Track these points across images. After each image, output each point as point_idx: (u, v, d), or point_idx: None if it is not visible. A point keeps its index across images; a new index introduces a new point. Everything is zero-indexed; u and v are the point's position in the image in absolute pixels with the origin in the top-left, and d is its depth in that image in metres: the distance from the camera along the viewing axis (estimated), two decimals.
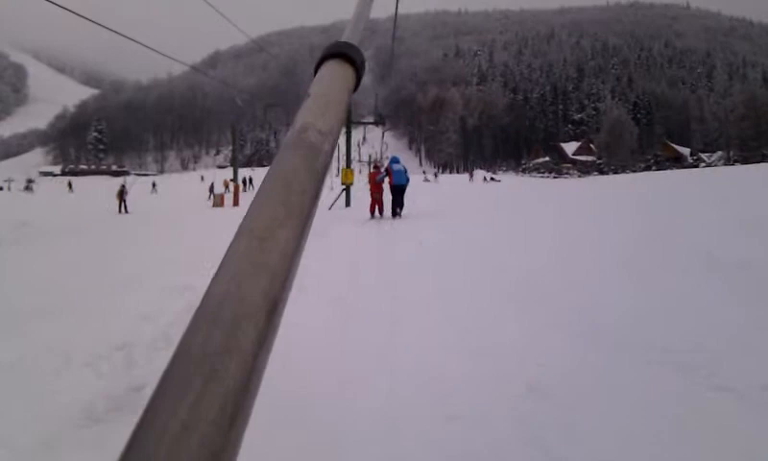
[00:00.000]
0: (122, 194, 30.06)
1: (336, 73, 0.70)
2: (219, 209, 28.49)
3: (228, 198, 33.12)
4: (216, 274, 0.43)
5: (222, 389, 0.34)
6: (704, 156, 77.20)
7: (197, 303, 0.39)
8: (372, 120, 21.62)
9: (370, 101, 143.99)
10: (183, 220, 19.97)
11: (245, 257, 0.43)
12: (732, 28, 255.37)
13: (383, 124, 21.20)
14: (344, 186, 20.98)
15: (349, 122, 21.27)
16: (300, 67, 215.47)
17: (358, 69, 0.73)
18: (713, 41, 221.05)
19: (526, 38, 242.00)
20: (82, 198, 47.89)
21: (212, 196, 36.24)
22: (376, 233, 11.65)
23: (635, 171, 71.30)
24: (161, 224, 18.66)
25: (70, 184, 73.73)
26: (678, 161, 76.66)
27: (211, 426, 0.33)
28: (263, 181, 0.53)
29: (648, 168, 70.67)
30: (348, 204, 20.51)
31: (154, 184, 61.42)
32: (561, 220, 11.81)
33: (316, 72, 0.71)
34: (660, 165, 71.09)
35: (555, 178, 76.11)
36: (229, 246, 0.45)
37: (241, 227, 0.47)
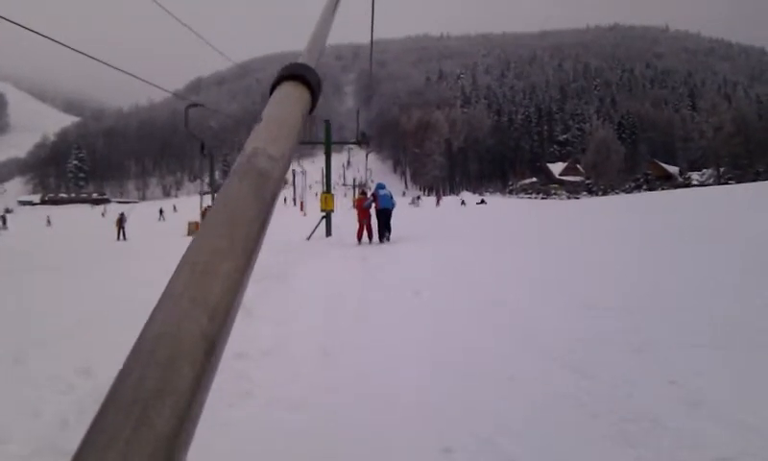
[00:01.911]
0: (121, 222, 31.74)
1: (291, 96, 0.68)
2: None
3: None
4: (153, 311, 0.41)
5: (153, 435, 0.33)
6: (695, 174, 76.15)
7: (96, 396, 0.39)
8: (362, 142, 19.44)
9: (353, 124, 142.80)
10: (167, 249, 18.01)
11: (184, 293, 0.41)
12: (712, 49, 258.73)
13: (366, 144, 19.30)
14: (323, 214, 18.82)
15: (328, 146, 19.19)
16: None
17: (314, 91, 0.71)
18: (694, 62, 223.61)
19: (508, 61, 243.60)
20: (60, 231, 45.11)
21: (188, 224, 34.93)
22: (359, 275, 9.26)
23: (625, 191, 70.04)
24: (145, 254, 16.79)
25: (48, 220, 69.48)
26: (668, 180, 75.61)
27: None
28: (209, 212, 0.51)
29: (638, 187, 69.53)
30: (328, 232, 18.44)
31: (161, 211, 60.42)
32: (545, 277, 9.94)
33: (271, 93, 0.70)
34: (651, 184, 69.93)
35: (543, 198, 74.73)
36: (169, 280, 0.43)
37: (182, 260, 0.45)
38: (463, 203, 62.05)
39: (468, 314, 5.87)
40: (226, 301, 0.42)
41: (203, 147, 32.57)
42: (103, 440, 0.32)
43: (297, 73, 0.70)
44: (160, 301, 0.42)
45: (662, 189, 64.25)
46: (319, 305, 6.53)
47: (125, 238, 30.54)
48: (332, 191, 19.01)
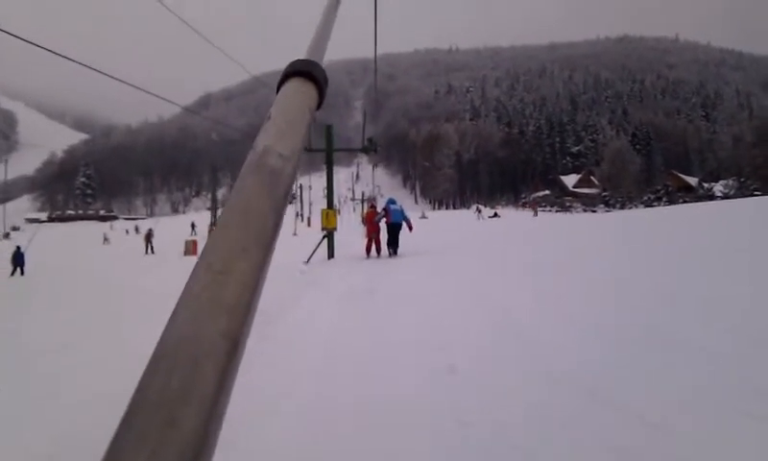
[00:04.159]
0: (149, 237, 34.61)
1: (298, 92, 0.68)
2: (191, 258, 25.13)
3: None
4: (173, 313, 0.41)
5: (181, 436, 0.33)
6: (717, 185, 73.20)
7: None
8: (369, 149, 16.98)
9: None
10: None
11: (202, 294, 0.42)
12: (723, 59, 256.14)
13: (374, 151, 16.96)
14: (325, 233, 16.24)
15: (330, 153, 16.71)
16: None
17: (321, 87, 0.70)
18: (705, 72, 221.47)
19: (518, 74, 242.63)
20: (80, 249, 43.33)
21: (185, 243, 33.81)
22: (364, 323, 6.51)
23: (644, 203, 67.27)
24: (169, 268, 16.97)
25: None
26: (689, 192, 72.80)
27: None
28: (223, 211, 0.51)
29: (658, 199, 66.77)
30: (330, 254, 15.93)
31: (193, 225, 59.05)
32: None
33: (278, 91, 0.69)
34: (671, 196, 67.16)
35: (557, 211, 72.16)
36: (187, 282, 0.44)
37: (199, 260, 0.45)
38: (478, 210, 58.97)
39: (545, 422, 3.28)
40: (244, 300, 0.43)
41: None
42: (132, 442, 0.32)
43: (303, 69, 0.70)
44: (179, 302, 0.42)
45: (684, 201, 61.63)
46: (300, 396, 4.17)
47: (153, 252, 32.95)
48: (340, 205, 16.71)
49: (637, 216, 26.50)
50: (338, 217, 56.49)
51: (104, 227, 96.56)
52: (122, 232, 47.75)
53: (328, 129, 16.91)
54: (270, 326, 5.93)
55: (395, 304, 7.24)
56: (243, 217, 0.49)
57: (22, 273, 24.10)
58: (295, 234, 36.54)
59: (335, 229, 16.46)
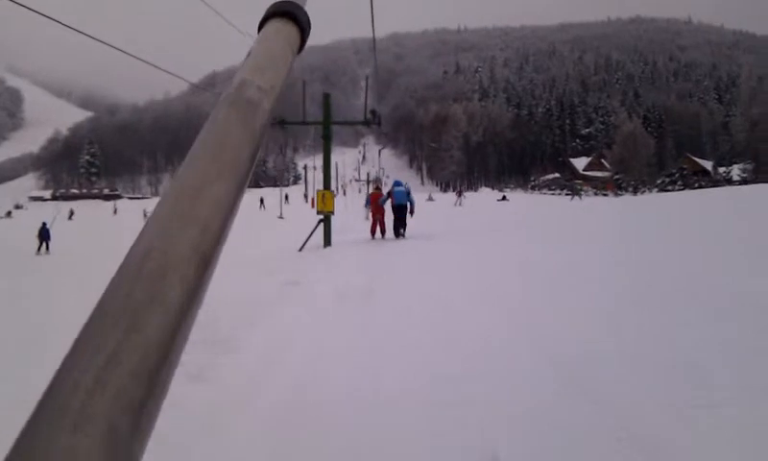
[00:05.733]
0: None
1: (280, 32, 0.67)
2: None
3: None
4: (143, 229, 0.41)
5: (143, 340, 0.33)
6: (735, 169, 70.47)
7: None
8: (371, 122, 15.08)
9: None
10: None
11: (173, 212, 0.41)
12: (737, 41, 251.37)
13: (378, 124, 15.01)
14: (321, 217, 14.23)
15: (327, 125, 14.65)
16: (297, 86, 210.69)
17: (303, 29, 0.70)
18: (718, 55, 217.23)
19: (527, 54, 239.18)
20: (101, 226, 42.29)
21: None
22: (358, 345, 4.91)
23: (662, 187, 64.95)
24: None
25: (72, 213, 65.18)
26: (704, 176, 70.36)
27: (129, 378, 0.31)
28: (197, 139, 0.50)
29: (672, 183, 64.36)
30: (327, 242, 14.01)
31: (261, 201, 59.47)
32: None
33: (260, 31, 0.69)
34: (686, 180, 64.76)
35: (567, 195, 69.69)
36: (158, 202, 0.43)
37: (171, 183, 0.45)
38: (504, 198, 52.95)
39: None
40: (218, 218, 0.42)
41: None
42: (93, 345, 0.32)
43: (286, 9, 0.69)
44: (148, 220, 0.42)
45: (700, 185, 59.43)
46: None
47: None
48: (345, 186, 14.91)
49: (669, 205, 24.47)
50: (343, 198, 54.43)
51: (108, 205, 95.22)
52: (140, 213, 46.70)
53: (326, 98, 15.05)
54: (218, 355, 4.20)
55: (398, 314, 5.54)
56: (217, 145, 0.48)
57: (47, 249, 23.87)
58: (281, 217, 33.59)
59: (332, 212, 14.44)
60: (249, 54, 0.63)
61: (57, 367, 0.32)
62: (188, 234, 0.40)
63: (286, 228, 21.83)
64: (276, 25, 0.67)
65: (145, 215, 43.45)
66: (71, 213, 62.51)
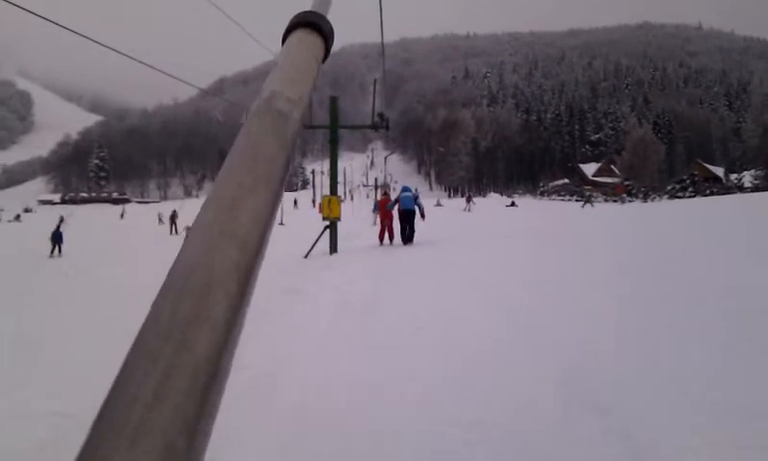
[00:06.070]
0: (173, 218, 36.35)
1: (304, 43, 0.67)
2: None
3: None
4: (183, 245, 0.41)
5: (193, 358, 0.33)
6: (747, 175, 69.69)
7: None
8: (379, 126, 14.80)
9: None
10: None
11: (213, 227, 0.41)
12: (747, 47, 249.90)
13: (386, 128, 14.71)
14: (326, 223, 13.97)
15: (335, 129, 14.31)
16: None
17: (326, 39, 0.70)
18: (729, 61, 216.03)
19: (536, 60, 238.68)
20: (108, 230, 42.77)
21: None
22: (360, 367, 4.66)
23: (673, 194, 64.17)
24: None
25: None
26: (715, 182, 69.58)
27: (184, 396, 0.31)
28: (230, 151, 0.51)
29: (683, 190, 63.65)
30: (333, 248, 13.73)
31: None
32: None
33: (284, 42, 0.69)
34: (697, 186, 64.01)
35: (578, 201, 68.92)
36: (197, 217, 0.44)
37: (208, 198, 0.45)
38: (513, 204, 52.88)
39: None
40: (255, 233, 0.43)
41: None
42: (145, 363, 0.32)
43: (310, 21, 0.69)
44: (190, 234, 0.42)
45: (711, 192, 58.77)
46: None
47: (177, 233, 34.45)
48: (353, 192, 14.58)
49: (696, 214, 23.01)
50: (350, 204, 53.90)
51: (116, 209, 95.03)
52: (155, 217, 46.49)
53: (333, 101, 14.75)
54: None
55: (406, 335, 5.15)
56: (251, 156, 0.49)
57: (60, 252, 24.02)
58: (281, 224, 32.75)
59: (338, 219, 14.10)
60: (276, 65, 0.64)
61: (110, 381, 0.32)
62: (229, 250, 0.40)
63: (289, 234, 21.50)
64: (301, 36, 0.68)
65: (160, 219, 44.56)
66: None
